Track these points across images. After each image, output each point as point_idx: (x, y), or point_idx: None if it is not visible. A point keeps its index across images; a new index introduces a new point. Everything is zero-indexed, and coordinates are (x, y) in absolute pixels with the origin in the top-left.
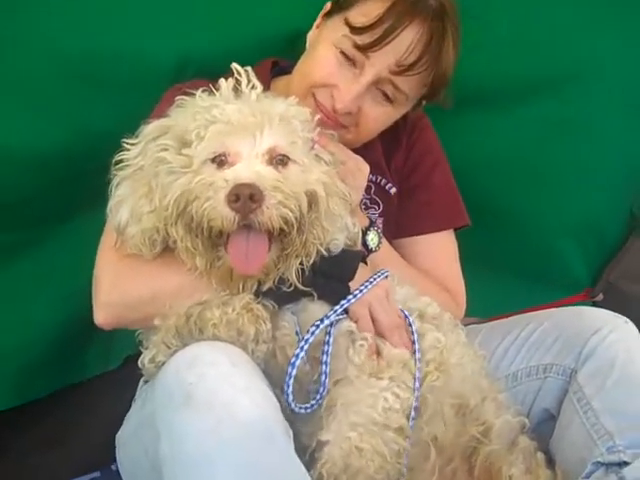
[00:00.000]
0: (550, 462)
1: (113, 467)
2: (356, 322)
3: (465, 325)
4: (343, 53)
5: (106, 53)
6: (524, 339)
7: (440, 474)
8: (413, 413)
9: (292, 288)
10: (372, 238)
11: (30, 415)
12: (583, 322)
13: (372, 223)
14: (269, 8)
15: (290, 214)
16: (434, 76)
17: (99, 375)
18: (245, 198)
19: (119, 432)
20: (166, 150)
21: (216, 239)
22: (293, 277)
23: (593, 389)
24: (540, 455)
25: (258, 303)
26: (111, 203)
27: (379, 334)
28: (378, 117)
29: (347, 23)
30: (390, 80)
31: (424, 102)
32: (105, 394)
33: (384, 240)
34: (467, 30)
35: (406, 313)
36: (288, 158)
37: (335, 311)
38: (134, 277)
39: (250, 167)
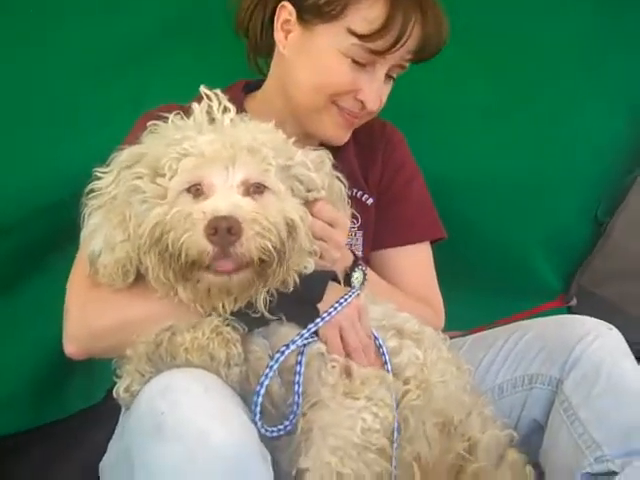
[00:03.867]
0: (541, 475)
1: None
2: (326, 343)
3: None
4: (354, 61)
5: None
6: (508, 350)
7: None
8: (396, 434)
9: (259, 314)
10: (357, 277)
11: (12, 449)
12: (567, 331)
13: (357, 261)
14: None
15: (269, 244)
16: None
17: (82, 409)
18: (223, 231)
19: (102, 460)
20: (140, 178)
21: (188, 271)
22: (261, 304)
23: (579, 399)
24: (529, 469)
25: (227, 325)
26: (84, 232)
27: (346, 355)
28: (384, 96)
29: (352, 32)
30: (400, 65)
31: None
32: (89, 427)
33: (369, 271)
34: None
35: (375, 335)
36: (264, 186)
37: (302, 335)
38: (101, 308)
39: (227, 198)
